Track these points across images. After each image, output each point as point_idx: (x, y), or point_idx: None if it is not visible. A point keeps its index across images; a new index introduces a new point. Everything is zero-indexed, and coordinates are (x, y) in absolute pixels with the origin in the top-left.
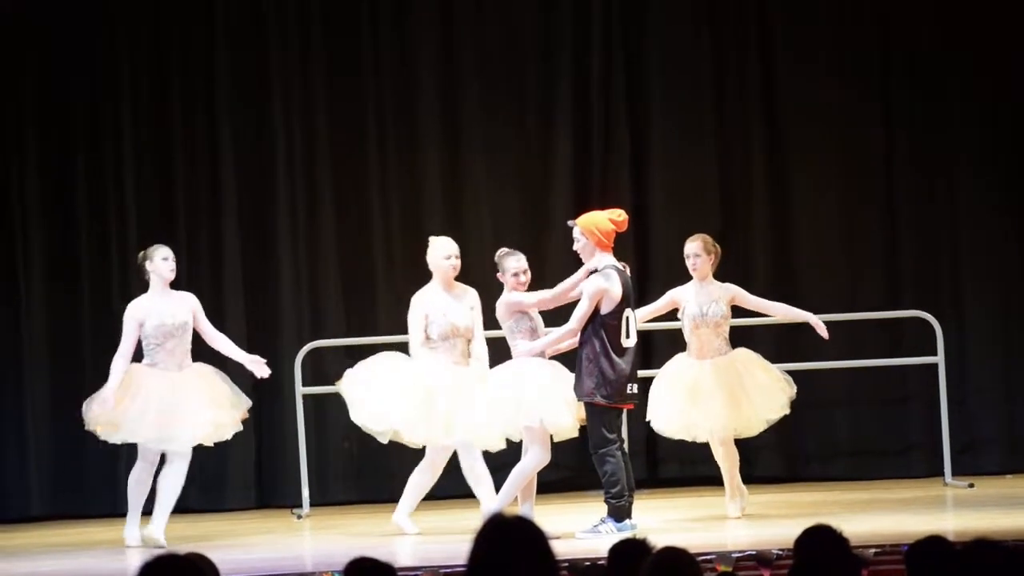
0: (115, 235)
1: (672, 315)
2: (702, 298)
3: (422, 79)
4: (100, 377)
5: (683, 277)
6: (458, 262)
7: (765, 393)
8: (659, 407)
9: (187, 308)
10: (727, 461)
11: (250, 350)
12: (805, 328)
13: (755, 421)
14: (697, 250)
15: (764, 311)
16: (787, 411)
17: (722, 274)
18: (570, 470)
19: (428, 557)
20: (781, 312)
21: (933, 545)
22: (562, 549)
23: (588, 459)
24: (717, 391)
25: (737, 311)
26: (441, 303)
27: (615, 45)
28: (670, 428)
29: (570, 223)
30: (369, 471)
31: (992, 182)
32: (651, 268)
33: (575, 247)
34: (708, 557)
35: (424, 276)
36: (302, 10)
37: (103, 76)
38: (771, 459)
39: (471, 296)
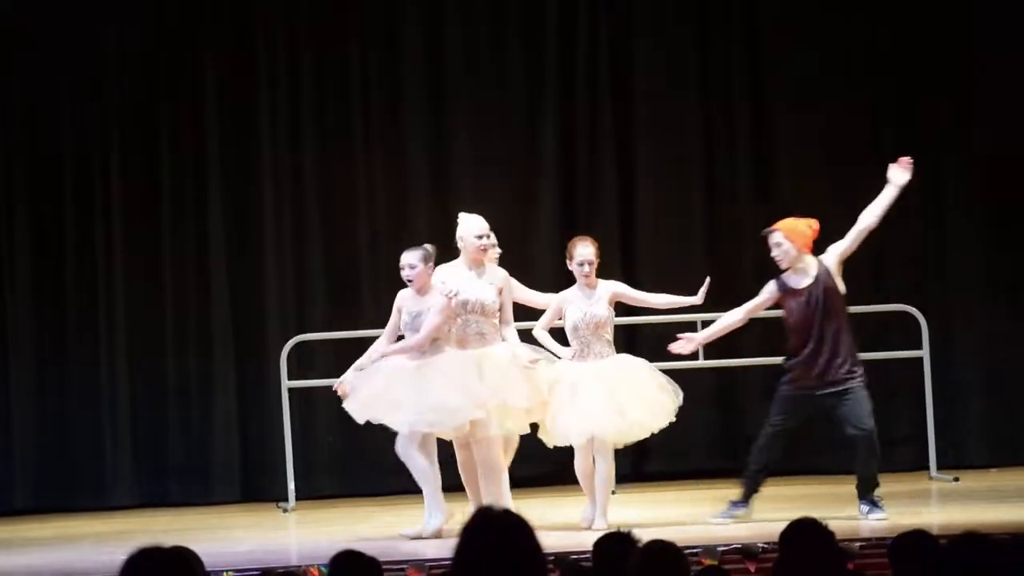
0: (100, 224)
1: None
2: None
3: (407, 75)
4: (82, 368)
5: (669, 274)
6: (489, 242)
7: (649, 399)
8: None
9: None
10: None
11: (236, 344)
12: None
13: (637, 428)
14: (592, 257)
15: (647, 304)
16: (673, 419)
17: (709, 273)
18: (554, 464)
19: (415, 551)
20: (664, 302)
21: (917, 539)
22: (549, 543)
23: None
24: (599, 394)
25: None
26: (460, 278)
27: (601, 44)
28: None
29: (766, 231)
30: (355, 465)
31: (977, 176)
32: (637, 268)
33: (774, 253)
34: (694, 551)
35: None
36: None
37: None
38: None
39: (498, 277)
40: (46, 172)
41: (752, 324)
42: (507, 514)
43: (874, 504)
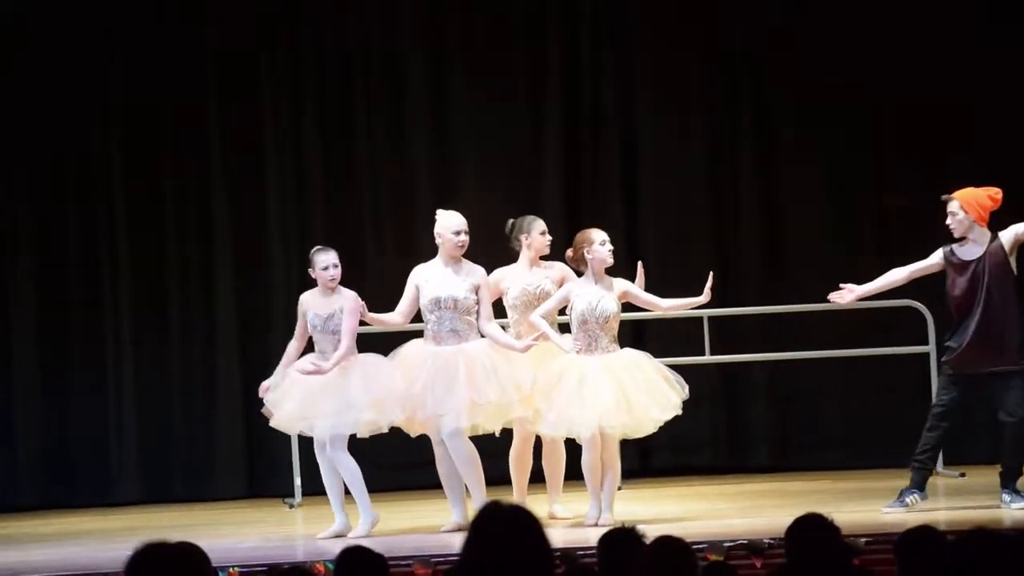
0: (103, 222)
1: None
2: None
3: (409, 71)
4: (86, 364)
5: (674, 272)
6: (466, 239)
7: (655, 393)
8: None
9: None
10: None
11: (242, 341)
12: (795, 318)
13: (645, 421)
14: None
15: (654, 307)
16: (679, 411)
17: (714, 270)
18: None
19: (421, 547)
20: (671, 305)
21: (924, 535)
22: (555, 539)
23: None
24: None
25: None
26: (435, 275)
27: (604, 45)
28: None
29: (944, 197)
30: (359, 461)
31: (982, 171)
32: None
33: (949, 222)
34: (700, 546)
35: (414, 265)
36: None
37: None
38: (763, 448)
39: (476, 275)
40: (48, 171)
41: (756, 320)
42: (515, 509)
43: (1017, 493)
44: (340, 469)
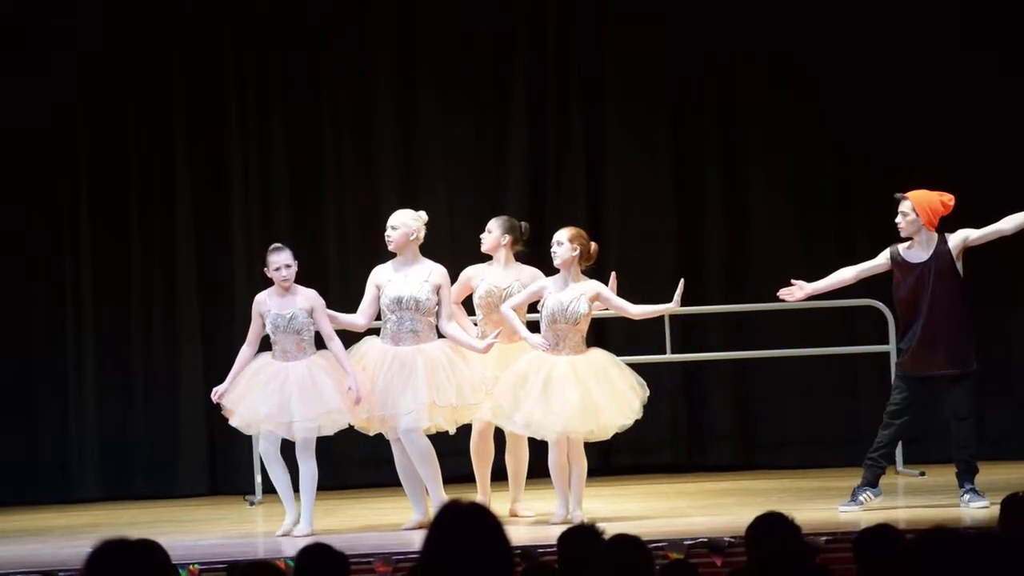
0: (66, 216)
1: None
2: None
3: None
4: (48, 360)
5: (639, 274)
6: (390, 232)
7: (620, 401)
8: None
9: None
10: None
11: (205, 340)
12: (757, 317)
13: (609, 428)
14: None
15: (624, 312)
16: (639, 416)
17: (681, 272)
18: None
19: (382, 544)
20: (641, 312)
21: (882, 533)
22: (516, 536)
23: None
24: (573, 393)
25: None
26: (396, 275)
27: (571, 44)
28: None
29: (898, 196)
30: (321, 459)
31: (942, 173)
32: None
33: (898, 220)
34: (660, 545)
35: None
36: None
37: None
38: (724, 447)
39: (436, 274)
40: (10, 165)
41: (718, 319)
42: (474, 507)
43: (976, 492)
44: (306, 470)
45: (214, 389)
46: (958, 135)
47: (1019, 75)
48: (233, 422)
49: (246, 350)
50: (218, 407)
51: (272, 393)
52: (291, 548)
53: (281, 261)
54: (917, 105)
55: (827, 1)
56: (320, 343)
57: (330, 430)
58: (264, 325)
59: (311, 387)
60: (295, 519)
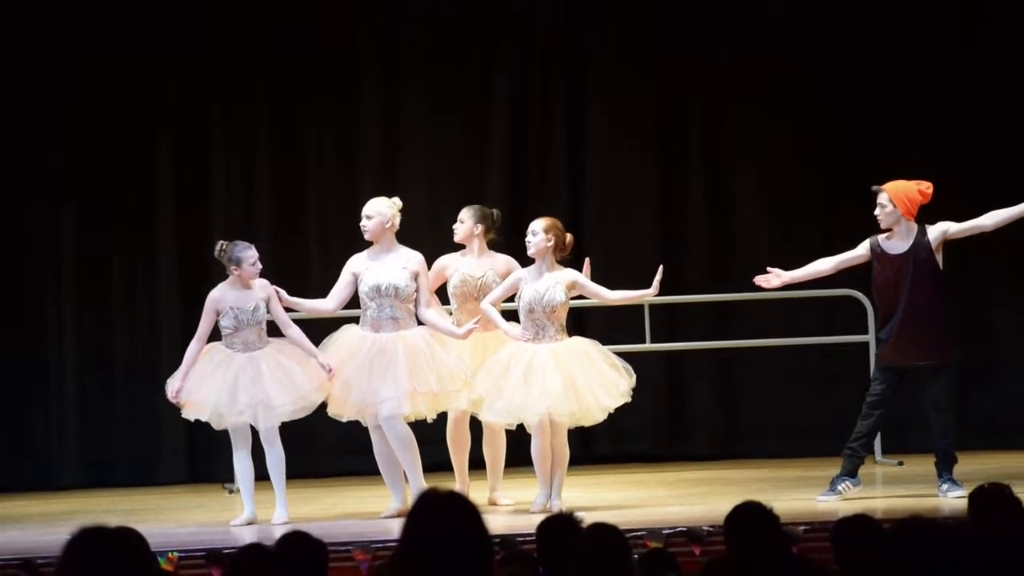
0: (50, 208)
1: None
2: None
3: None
4: (28, 347)
5: (620, 267)
6: (365, 222)
7: (604, 381)
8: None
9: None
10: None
11: (184, 329)
12: (738, 307)
13: (594, 409)
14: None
15: (602, 299)
16: (628, 399)
17: (658, 258)
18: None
19: (361, 532)
20: (619, 297)
21: (860, 523)
22: (495, 525)
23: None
24: (554, 375)
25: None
26: (374, 263)
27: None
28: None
29: (875, 188)
30: (299, 447)
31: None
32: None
33: (876, 212)
34: (639, 534)
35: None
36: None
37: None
38: (704, 437)
39: (414, 261)
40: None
41: (698, 309)
42: (452, 496)
43: (954, 482)
44: (273, 454)
45: (169, 386)
46: (939, 132)
47: (1000, 74)
48: (203, 416)
49: (195, 345)
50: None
51: (248, 383)
52: (269, 537)
53: (256, 255)
54: (900, 100)
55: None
56: (276, 332)
57: (307, 411)
58: (217, 321)
59: (282, 373)
60: (253, 516)
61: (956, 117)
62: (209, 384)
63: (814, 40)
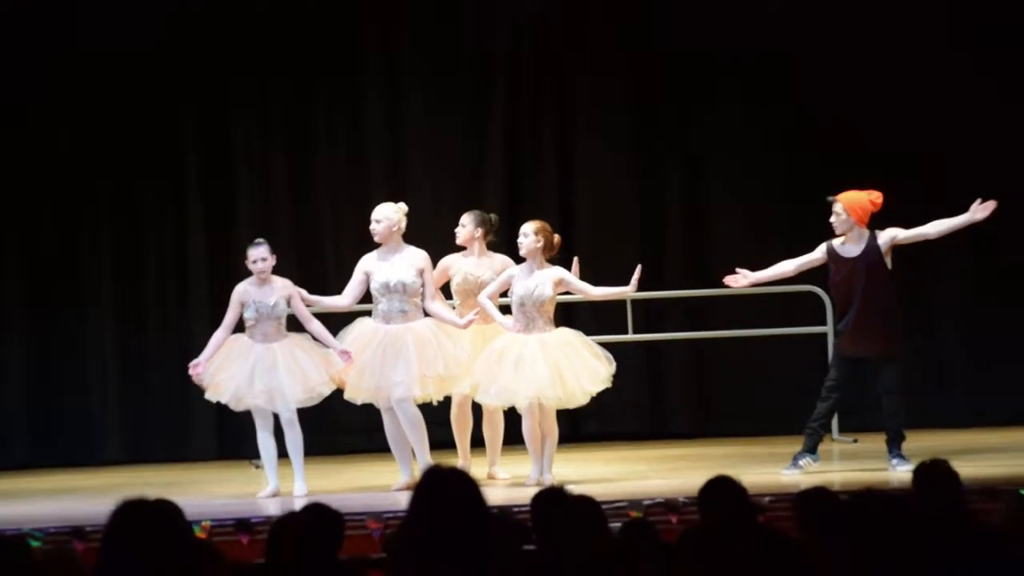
0: (85, 197)
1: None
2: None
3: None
4: (73, 336)
5: (605, 264)
6: (375, 226)
7: (587, 368)
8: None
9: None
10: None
11: (212, 316)
12: (711, 302)
13: (578, 393)
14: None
15: (586, 294)
16: (609, 384)
17: (644, 262)
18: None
19: (373, 504)
20: (601, 293)
21: (819, 494)
22: (492, 497)
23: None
24: (542, 363)
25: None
26: (384, 262)
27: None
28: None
29: (830, 199)
30: (318, 427)
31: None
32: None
33: (832, 220)
34: (621, 504)
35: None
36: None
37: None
38: (680, 418)
39: (419, 259)
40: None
41: (675, 303)
42: (454, 472)
43: (903, 458)
44: (293, 436)
45: (191, 366)
46: (898, 136)
47: (976, 74)
48: (223, 398)
49: (220, 333)
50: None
51: (264, 371)
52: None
53: (258, 255)
54: (865, 105)
55: (783, 4)
56: (295, 327)
57: (315, 400)
58: (241, 313)
59: (295, 365)
60: (276, 489)
61: (920, 122)
62: (230, 370)
63: (786, 44)
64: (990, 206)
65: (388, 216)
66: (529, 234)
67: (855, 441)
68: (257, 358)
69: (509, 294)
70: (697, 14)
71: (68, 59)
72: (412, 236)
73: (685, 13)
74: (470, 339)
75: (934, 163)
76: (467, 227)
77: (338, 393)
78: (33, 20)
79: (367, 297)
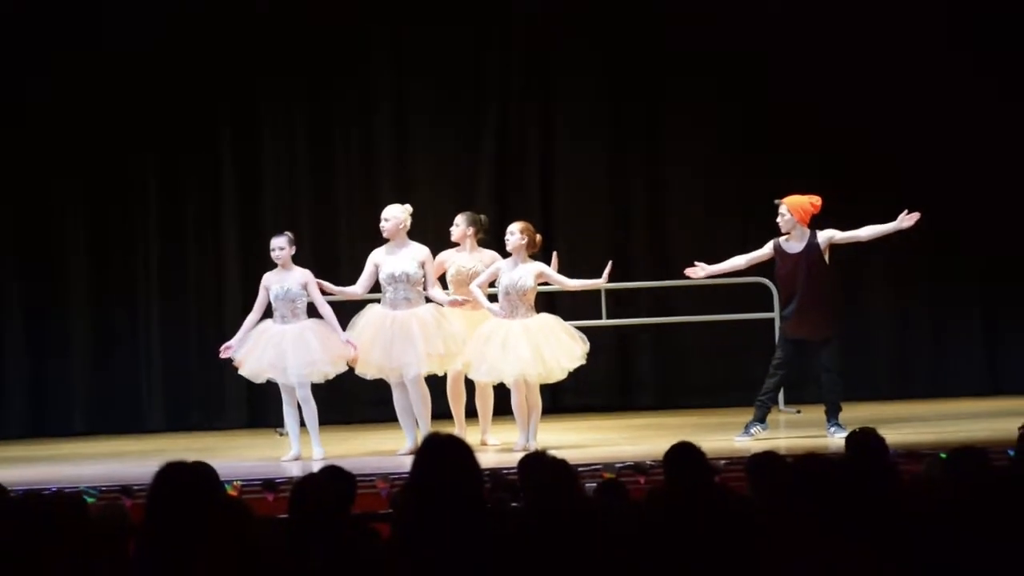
0: (138, 198)
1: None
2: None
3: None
4: (124, 319)
5: (580, 258)
6: (384, 224)
7: (564, 348)
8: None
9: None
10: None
11: (245, 299)
12: (673, 291)
13: (556, 370)
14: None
15: (564, 286)
16: (584, 361)
17: (615, 256)
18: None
19: (381, 466)
20: (577, 285)
21: (768, 458)
22: (485, 461)
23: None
24: (524, 344)
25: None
26: (390, 255)
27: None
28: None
29: (776, 201)
30: (334, 399)
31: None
32: (556, 249)
33: (778, 219)
34: (596, 467)
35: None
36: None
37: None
38: (647, 392)
39: (421, 253)
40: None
41: (642, 292)
42: (451, 438)
43: (839, 426)
44: (307, 408)
45: (223, 345)
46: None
47: (960, 77)
48: (242, 372)
49: (251, 316)
50: (229, 359)
51: (273, 348)
52: (307, 470)
53: (276, 244)
54: (818, 109)
55: (752, 7)
56: (313, 312)
57: (317, 377)
58: (267, 297)
59: (302, 344)
60: (298, 454)
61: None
62: (256, 350)
63: (754, 47)
64: (915, 216)
65: (396, 215)
66: (515, 232)
67: (798, 412)
68: (271, 337)
69: (496, 284)
70: (684, 13)
71: (67, 59)
72: (414, 234)
73: (663, 13)
74: (463, 323)
75: (884, 171)
76: (460, 226)
77: (352, 371)
78: (32, 20)
79: (376, 286)
